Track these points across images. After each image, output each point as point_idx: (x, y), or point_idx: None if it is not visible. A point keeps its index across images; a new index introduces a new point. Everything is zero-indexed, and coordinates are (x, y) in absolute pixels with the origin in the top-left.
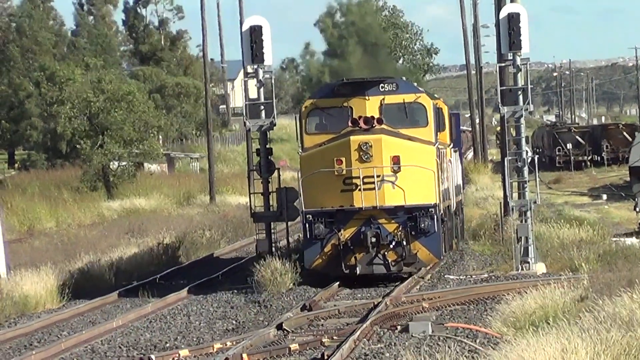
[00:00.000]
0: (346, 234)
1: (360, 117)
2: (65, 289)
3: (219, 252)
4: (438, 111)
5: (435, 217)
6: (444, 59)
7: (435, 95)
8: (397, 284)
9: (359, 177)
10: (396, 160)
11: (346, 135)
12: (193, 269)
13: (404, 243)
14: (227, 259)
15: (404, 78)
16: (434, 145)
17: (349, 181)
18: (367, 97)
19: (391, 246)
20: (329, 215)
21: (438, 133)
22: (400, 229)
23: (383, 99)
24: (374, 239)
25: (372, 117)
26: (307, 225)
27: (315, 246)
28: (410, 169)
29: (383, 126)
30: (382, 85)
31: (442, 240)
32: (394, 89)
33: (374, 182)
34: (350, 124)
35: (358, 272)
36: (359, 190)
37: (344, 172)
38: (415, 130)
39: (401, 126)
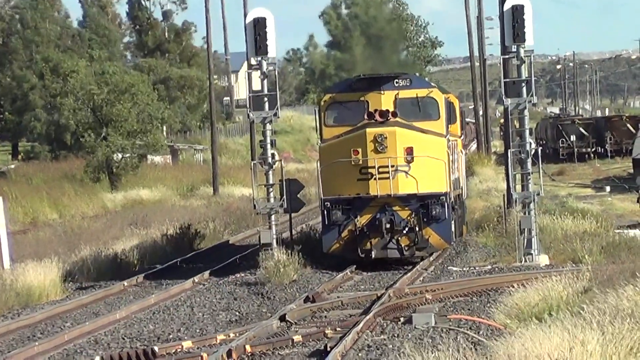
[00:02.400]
0: (362, 220)
1: (375, 110)
2: (68, 280)
3: (222, 242)
4: (449, 105)
5: (446, 204)
6: (447, 51)
7: (439, 85)
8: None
9: (374, 167)
10: (409, 151)
11: (362, 127)
12: (205, 257)
13: (417, 229)
14: (233, 249)
15: (417, 74)
16: (445, 137)
17: (365, 171)
18: (382, 92)
19: (404, 232)
20: (346, 203)
21: (449, 126)
22: (413, 215)
23: (397, 93)
24: (388, 225)
25: (387, 111)
26: (325, 212)
27: (333, 232)
28: (423, 160)
29: (397, 119)
30: (396, 80)
31: (452, 227)
32: (407, 84)
33: (388, 172)
34: (366, 117)
35: (373, 256)
36: (375, 179)
37: (361, 162)
38: (428, 123)
39: (414, 119)
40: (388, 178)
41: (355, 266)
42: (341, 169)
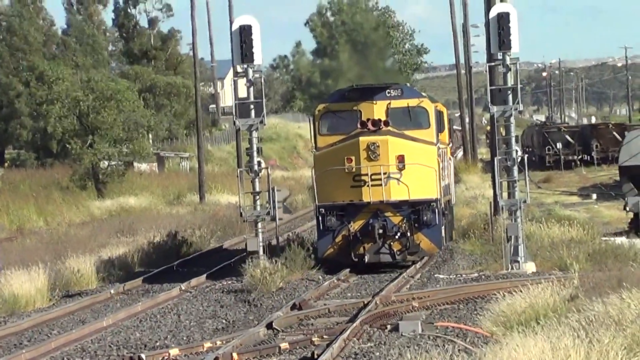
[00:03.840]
0: (355, 225)
1: (368, 119)
2: (55, 287)
3: (208, 250)
4: (439, 114)
5: (436, 210)
6: (432, 59)
7: (428, 95)
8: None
9: (367, 174)
10: (401, 159)
11: (356, 136)
12: (192, 264)
13: (408, 234)
14: (219, 257)
15: (408, 84)
16: (435, 145)
17: (358, 178)
18: (374, 102)
19: (396, 237)
20: (340, 209)
21: (439, 134)
22: (404, 221)
23: (389, 103)
24: (380, 230)
25: (379, 120)
26: (320, 218)
27: (328, 237)
28: (414, 167)
29: (389, 128)
30: (388, 90)
31: (442, 232)
32: (399, 94)
33: (380, 179)
34: (359, 125)
35: (366, 261)
36: (367, 186)
37: (354, 169)
38: (419, 132)
39: (405, 128)
40: (380, 185)
41: (348, 270)
42: (335, 176)
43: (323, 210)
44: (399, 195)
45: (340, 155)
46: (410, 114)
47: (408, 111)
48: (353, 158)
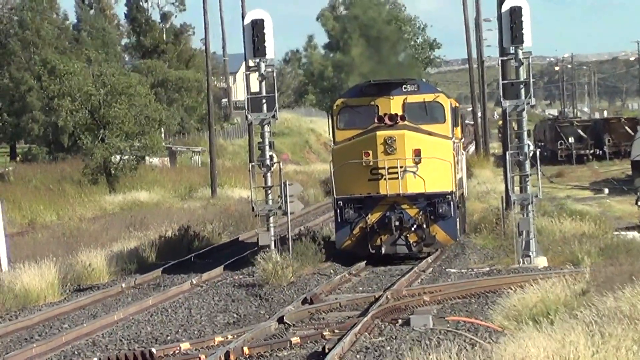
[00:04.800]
0: (373, 218)
1: (385, 114)
2: (66, 282)
3: (220, 244)
4: (454, 109)
5: (451, 203)
6: (445, 53)
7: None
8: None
9: (384, 168)
10: (417, 152)
11: (373, 130)
12: (204, 258)
13: (424, 226)
14: (231, 251)
15: (424, 80)
16: (451, 140)
17: (375, 171)
18: (391, 97)
19: (413, 229)
20: (357, 201)
21: (454, 129)
22: (420, 213)
23: (406, 98)
24: (397, 223)
25: (396, 115)
26: (338, 210)
27: (346, 229)
28: (430, 161)
29: (406, 122)
30: (404, 86)
31: (457, 224)
32: (415, 89)
33: (397, 172)
34: (376, 120)
35: (383, 252)
36: (384, 179)
37: (371, 163)
38: (434, 126)
39: (422, 122)
40: (397, 178)
41: (362, 263)
42: (353, 170)
43: (341, 202)
44: (415, 188)
45: (358, 149)
46: (427, 109)
47: (424, 106)
48: (370, 152)
